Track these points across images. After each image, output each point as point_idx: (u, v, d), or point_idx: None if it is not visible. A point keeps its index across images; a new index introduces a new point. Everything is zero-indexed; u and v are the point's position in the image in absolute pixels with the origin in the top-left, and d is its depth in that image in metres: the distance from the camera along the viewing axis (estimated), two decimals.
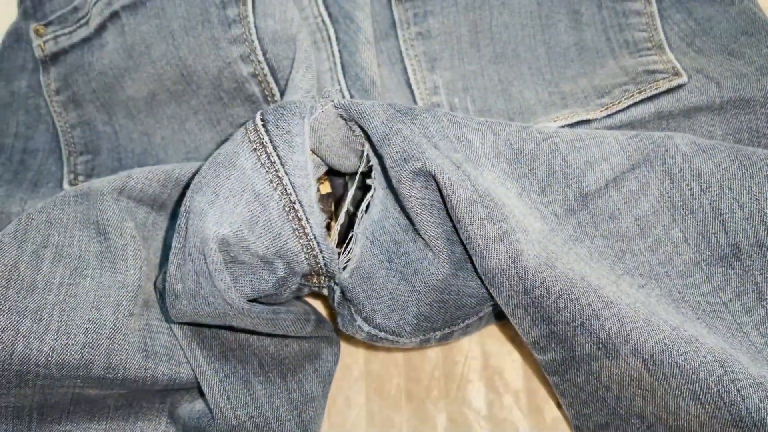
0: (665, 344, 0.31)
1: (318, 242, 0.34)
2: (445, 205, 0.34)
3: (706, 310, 0.35)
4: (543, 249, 0.33)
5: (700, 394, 0.30)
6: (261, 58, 0.44)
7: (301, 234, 0.34)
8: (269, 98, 0.45)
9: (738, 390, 0.30)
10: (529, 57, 0.47)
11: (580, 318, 0.32)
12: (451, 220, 0.34)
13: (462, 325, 0.38)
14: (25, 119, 0.52)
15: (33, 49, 0.52)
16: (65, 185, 0.49)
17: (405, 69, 0.47)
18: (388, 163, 0.35)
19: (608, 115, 0.42)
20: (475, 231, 0.33)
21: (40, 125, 0.51)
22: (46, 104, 0.51)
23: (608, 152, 0.35)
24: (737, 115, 0.42)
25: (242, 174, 0.34)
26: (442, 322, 0.37)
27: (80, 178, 0.49)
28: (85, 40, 0.50)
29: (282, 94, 0.45)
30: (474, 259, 0.34)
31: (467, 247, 0.34)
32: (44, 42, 0.51)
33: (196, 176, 0.35)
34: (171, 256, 0.34)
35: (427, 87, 0.46)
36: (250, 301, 0.35)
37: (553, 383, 0.36)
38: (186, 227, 0.33)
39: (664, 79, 0.42)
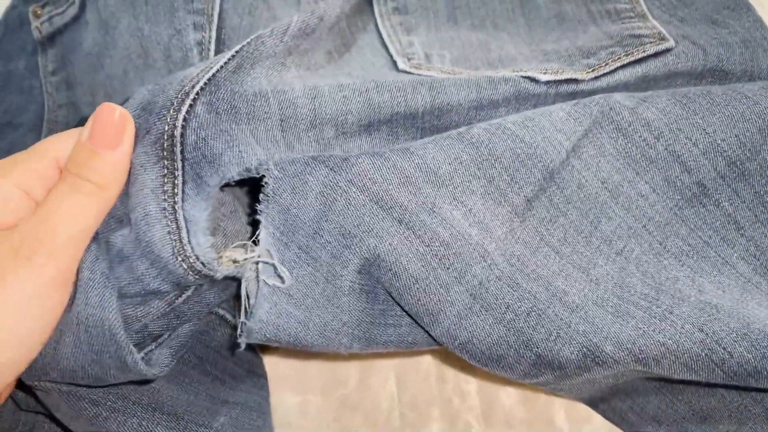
0: (640, 329, 0.31)
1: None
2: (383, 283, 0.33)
3: (689, 253, 0.35)
4: (507, 260, 0.32)
5: (691, 365, 0.31)
6: (214, 26, 0.43)
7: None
8: None
9: (724, 348, 0.30)
10: (508, 26, 0.46)
11: (556, 331, 0.31)
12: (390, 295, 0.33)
13: None
14: (18, 99, 0.52)
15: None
16: None
17: (380, 35, 0.46)
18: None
19: (596, 78, 0.40)
20: (433, 282, 0.32)
21: (31, 105, 0.52)
22: (40, 84, 0.51)
23: (560, 123, 0.35)
24: (712, 84, 0.41)
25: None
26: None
27: None
28: (75, 19, 0.49)
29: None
30: (435, 313, 0.32)
31: (417, 308, 0.32)
32: (41, 23, 0.51)
33: None
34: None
35: (402, 44, 0.46)
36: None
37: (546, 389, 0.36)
38: None
39: (651, 43, 0.41)
